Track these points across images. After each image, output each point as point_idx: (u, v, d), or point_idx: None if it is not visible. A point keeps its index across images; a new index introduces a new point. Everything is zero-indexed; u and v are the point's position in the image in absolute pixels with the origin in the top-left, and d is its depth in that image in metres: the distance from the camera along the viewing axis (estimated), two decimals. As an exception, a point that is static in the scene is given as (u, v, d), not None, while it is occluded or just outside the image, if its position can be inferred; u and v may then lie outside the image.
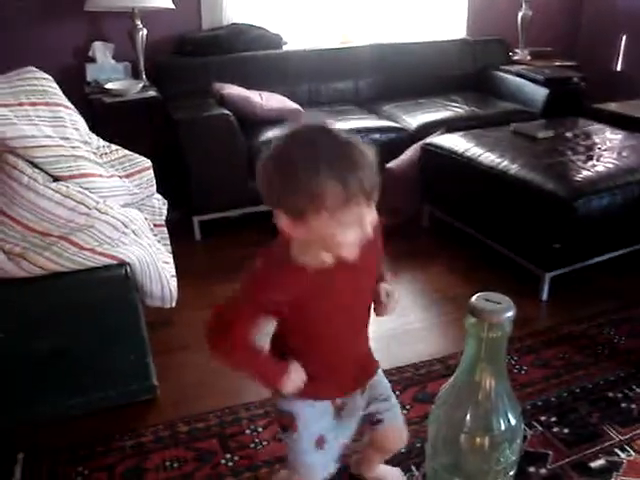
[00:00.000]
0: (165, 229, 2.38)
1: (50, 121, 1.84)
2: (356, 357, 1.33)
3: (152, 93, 3.23)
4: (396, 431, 1.48)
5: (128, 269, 1.82)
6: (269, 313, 1.16)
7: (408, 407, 1.96)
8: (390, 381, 1.47)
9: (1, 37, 3.26)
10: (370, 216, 1.04)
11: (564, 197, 2.45)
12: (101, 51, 3.36)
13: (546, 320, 2.46)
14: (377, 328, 1.40)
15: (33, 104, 1.81)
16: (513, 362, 2.16)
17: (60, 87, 2.03)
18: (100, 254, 1.80)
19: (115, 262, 1.82)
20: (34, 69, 1.98)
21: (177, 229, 2.75)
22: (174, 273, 2.23)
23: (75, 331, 1.80)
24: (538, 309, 2.55)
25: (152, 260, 1.95)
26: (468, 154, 2.88)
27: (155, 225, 2.30)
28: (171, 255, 2.34)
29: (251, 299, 1.14)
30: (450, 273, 2.83)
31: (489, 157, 2.80)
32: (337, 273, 1.12)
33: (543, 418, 1.91)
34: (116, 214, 1.87)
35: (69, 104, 2.00)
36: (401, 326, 2.39)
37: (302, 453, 1.34)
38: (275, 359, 1.24)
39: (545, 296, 2.59)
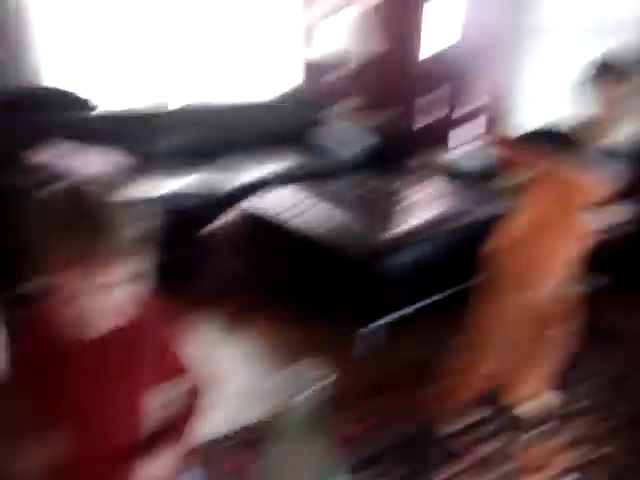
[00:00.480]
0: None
1: None
2: None
3: None
4: None
5: None
6: None
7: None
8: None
9: None
10: None
11: (363, 259, 2.64)
12: None
13: (359, 374, 2.56)
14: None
15: None
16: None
17: None
18: None
19: None
20: None
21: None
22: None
23: None
24: (353, 366, 2.65)
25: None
26: (282, 217, 2.98)
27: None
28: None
29: None
30: (274, 335, 2.89)
31: (300, 219, 2.94)
32: None
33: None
34: None
35: None
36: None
37: None
38: None
39: (361, 352, 2.72)
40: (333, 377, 1.18)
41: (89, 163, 3.29)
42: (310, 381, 1.24)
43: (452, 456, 2.14)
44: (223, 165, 3.82)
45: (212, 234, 3.20)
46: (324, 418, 1.23)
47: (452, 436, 2.23)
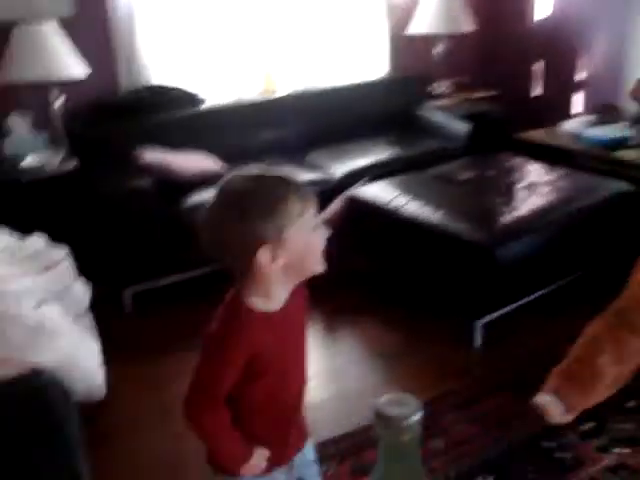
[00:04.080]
0: (89, 317, 2.32)
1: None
2: (298, 417, 1.35)
3: (70, 166, 3.16)
4: None
5: (45, 377, 1.76)
6: (240, 374, 1.18)
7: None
8: (326, 454, 1.44)
9: None
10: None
11: (484, 245, 2.51)
12: (18, 123, 3.27)
13: (480, 368, 2.50)
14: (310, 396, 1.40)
15: None
16: (448, 420, 2.17)
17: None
18: (13, 365, 1.73)
19: (29, 372, 1.75)
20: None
21: (106, 306, 2.69)
22: (101, 362, 2.17)
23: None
24: (472, 357, 2.58)
25: (71, 360, 1.89)
26: (392, 205, 2.92)
27: (78, 315, 2.24)
28: (97, 342, 2.27)
29: (227, 361, 1.16)
30: (383, 328, 2.83)
31: (411, 206, 2.84)
32: (288, 317, 1.22)
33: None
34: (28, 316, 1.81)
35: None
36: (337, 393, 2.38)
37: None
38: (242, 441, 1.25)
39: (478, 343, 2.62)
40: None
41: (192, 162, 3.40)
42: (416, 408, 1.19)
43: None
44: (329, 152, 3.78)
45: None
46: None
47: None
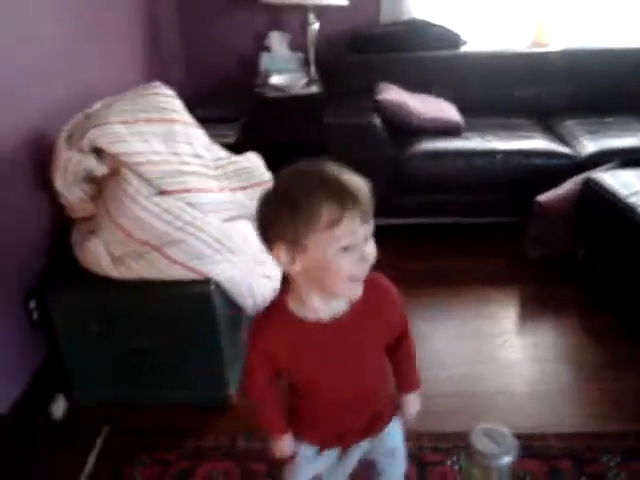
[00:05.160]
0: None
1: (162, 137, 1.96)
2: (363, 412, 1.30)
3: (314, 90, 3.27)
4: None
5: (212, 286, 1.92)
6: (269, 363, 1.21)
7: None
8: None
9: (191, 26, 3.53)
10: (370, 247, 1.06)
11: None
12: (277, 41, 3.47)
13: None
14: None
15: (148, 120, 1.95)
16: (613, 464, 1.88)
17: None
18: (189, 269, 1.91)
19: (201, 278, 1.92)
20: (158, 85, 2.12)
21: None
22: (275, 288, 2.27)
23: (155, 335, 1.95)
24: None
25: (243, 278, 2.02)
26: (631, 200, 2.51)
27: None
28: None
29: (254, 349, 1.21)
30: (587, 333, 2.52)
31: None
32: (328, 328, 1.15)
33: None
34: (212, 231, 1.96)
35: (187, 119, 2.11)
36: (503, 387, 2.22)
37: None
38: (283, 417, 1.31)
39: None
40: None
41: (431, 108, 3.27)
42: (508, 448, 1.05)
43: None
44: (585, 124, 3.35)
45: (549, 201, 2.88)
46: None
47: None
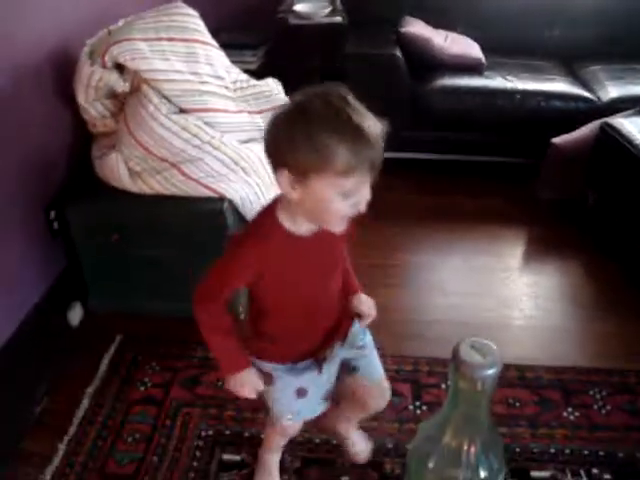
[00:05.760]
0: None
1: (183, 56, 1.98)
2: (327, 323, 1.35)
3: (337, 19, 3.23)
4: (374, 385, 1.49)
5: (226, 204, 1.98)
6: (248, 278, 1.22)
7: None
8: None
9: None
10: (367, 194, 1.09)
11: None
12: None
13: None
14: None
15: (170, 39, 1.97)
16: (598, 397, 1.97)
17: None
18: (204, 186, 1.97)
19: (216, 195, 1.98)
20: (181, 5, 2.12)
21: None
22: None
23: (168, 248, 2.03)
24: None
25: (257, 199, 2.08)
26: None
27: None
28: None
29: (235, 262, 1.21)
30: (584, 277, 2.56)
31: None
32: (314, 243, 1.20)
33: (595, 471, 1.74)
34: (228, 150, 2.00)
35: (208, 39, 2.12)
36: (500, 319, 2.29)
37: (285, 405, 1.41)
38: (240, 350, 1.32)
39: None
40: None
41: (454, 44, 3.23)
42: (494, 361, 1.12)
43: None
44: (610, 70, 3.30)
45: (565, 143, 2.88)
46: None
47: None
